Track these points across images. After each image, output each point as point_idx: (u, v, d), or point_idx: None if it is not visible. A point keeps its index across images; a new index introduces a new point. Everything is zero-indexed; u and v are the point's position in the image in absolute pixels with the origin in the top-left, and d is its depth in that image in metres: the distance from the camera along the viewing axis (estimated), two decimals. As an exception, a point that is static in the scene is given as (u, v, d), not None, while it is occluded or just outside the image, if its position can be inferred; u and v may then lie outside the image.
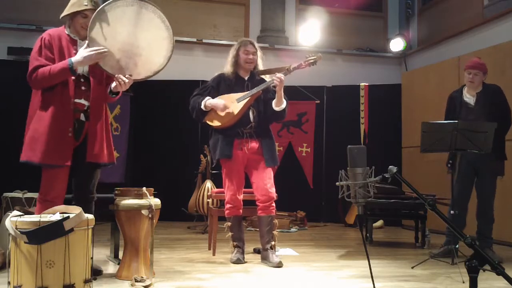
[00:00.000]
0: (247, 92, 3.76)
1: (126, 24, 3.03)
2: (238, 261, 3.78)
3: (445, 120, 4.29)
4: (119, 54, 3.04)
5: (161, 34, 3.09)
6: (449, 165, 4.29)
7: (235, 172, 3.82)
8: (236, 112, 3.73)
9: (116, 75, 3.02)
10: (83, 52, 2.97)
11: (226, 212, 3.90)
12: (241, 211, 3.91)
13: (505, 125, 4.13)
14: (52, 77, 2.96)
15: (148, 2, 3.07)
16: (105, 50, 2.97)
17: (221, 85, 3.87)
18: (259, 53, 3.90)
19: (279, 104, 3.77)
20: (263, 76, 3.92)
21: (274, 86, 3.72)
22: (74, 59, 2.96)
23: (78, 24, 3.11)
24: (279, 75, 3.67)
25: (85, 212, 2.47)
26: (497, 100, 4.16)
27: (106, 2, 3.04)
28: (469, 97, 4.24)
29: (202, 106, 3.77)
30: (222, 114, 3.75)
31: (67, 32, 3.14)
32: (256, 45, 3.92)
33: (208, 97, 3.80)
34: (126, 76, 3.03)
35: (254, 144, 3.81)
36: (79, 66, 2.98)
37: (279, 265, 3.66)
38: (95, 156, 3.13)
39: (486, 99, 4.16)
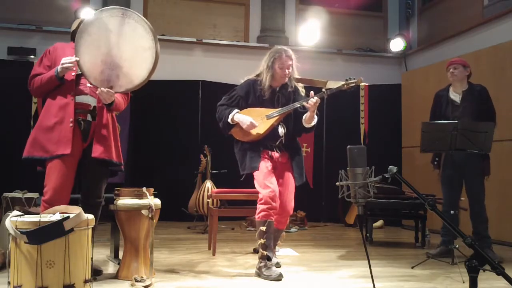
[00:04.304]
0: (279, 109, 3.55)
1: (109, 35, 2.98)
2: (280, 276, 3.27)
3: (431, 118, 4.32)
4: (102, 65, 2.99)
5: (143, 45, 2.96)
6: (435, 163, 4.36)
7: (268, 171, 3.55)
8: (264, 129, 3.52)
9: (98, 87, 3.00)
10: (62, 60, 3.01)
11: (262, 214, 3.40)
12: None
13: None
14: (44, 84, 3.08)
15: (132, 11, 3.02)
16: (75, 59, 2.97)
17: (251, 95, 3.61)
18: (294, 62, 3.60)
19: (310, 121, 3.64)
20: (296, 84, 3.70)
21: (304, 106, 3.56)
22: (59, 67, 3.01)
23: None
24: (315, 98, 3.52)
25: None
26: (482, 100, 4.19)
27: (93, 13, 3.07)
28: (455, 95, 4.27)
29: (229, 120, 3.54)
30: (250, 131, 3.52)
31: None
32: (292, 55, 3.59)
33: (236, 110, 3.56)
34: (106, 88, 2.98)
35: (284, 156, 3.63)
36: (61, 74, 3.02)
37: (276, 266, 3.61)
38: (101, 152, 3.08)
39: (471, 98, 4.19)
